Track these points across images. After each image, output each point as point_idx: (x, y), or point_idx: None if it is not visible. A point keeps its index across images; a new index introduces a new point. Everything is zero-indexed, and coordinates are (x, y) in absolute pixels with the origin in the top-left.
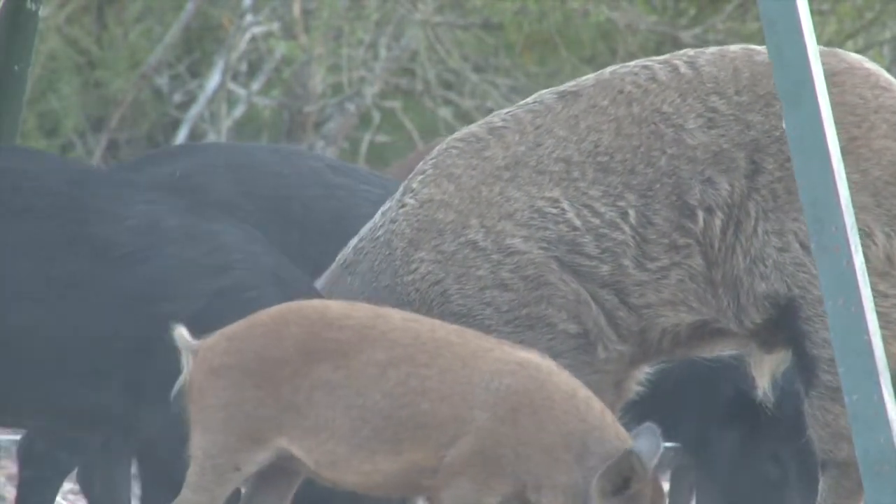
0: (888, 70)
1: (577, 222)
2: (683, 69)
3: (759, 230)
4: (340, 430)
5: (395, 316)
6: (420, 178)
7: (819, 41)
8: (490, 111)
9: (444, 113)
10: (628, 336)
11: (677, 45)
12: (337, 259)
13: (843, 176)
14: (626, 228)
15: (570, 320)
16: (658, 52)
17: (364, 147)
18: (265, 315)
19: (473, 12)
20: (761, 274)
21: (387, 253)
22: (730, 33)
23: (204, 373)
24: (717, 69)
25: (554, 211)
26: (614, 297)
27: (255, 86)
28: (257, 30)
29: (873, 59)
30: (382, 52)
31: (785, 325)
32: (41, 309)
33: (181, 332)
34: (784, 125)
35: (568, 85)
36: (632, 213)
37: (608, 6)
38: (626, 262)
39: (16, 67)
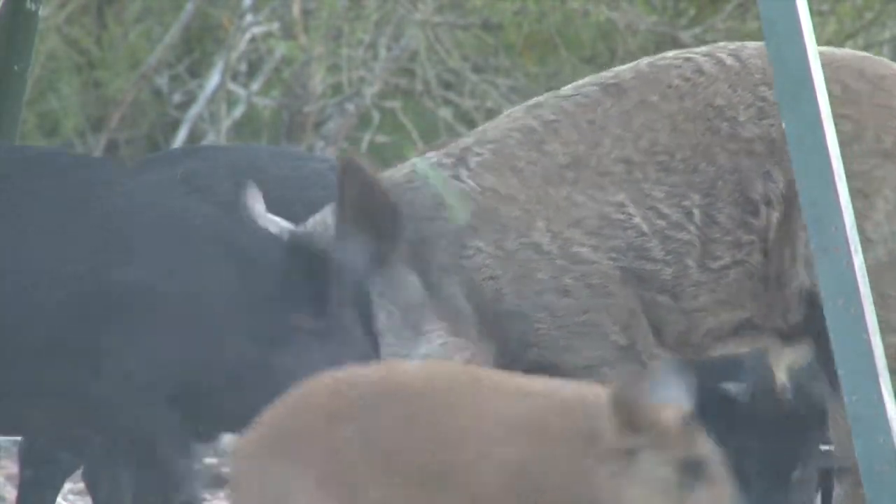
0: None
1: (645, 227)
2: (729, 61)
3: (799, 226)
4: (376, 489)
5: (409, 367)
6: (477, 159)
7: (819, 41)
8: (490, 111)
9: (444, 113)
10: (672, 342)
11: (677, 45)
12: (407, 163)
13: (843, 176)
14: (692, 228)
15: (622, 333)
16: (658, 53)
17: (364, 147)
18: (289, 394)
19: (473, 12)
20: (797, 271)
21: (436, 211)
22: (730, 33)
23: (240, 466)
24: (762, 62)
25: (622, 217)
26: (670, 300)
27: (255, 86)
28: (257, 30)
29: None
30: (382, 53)
31: (813, 324)
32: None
33: (228, 438)
34: (783, 125)
35: (607, 76)
36: (696, 212)
37: (608, 6)
38: (690, 263)
39: (16, 67)
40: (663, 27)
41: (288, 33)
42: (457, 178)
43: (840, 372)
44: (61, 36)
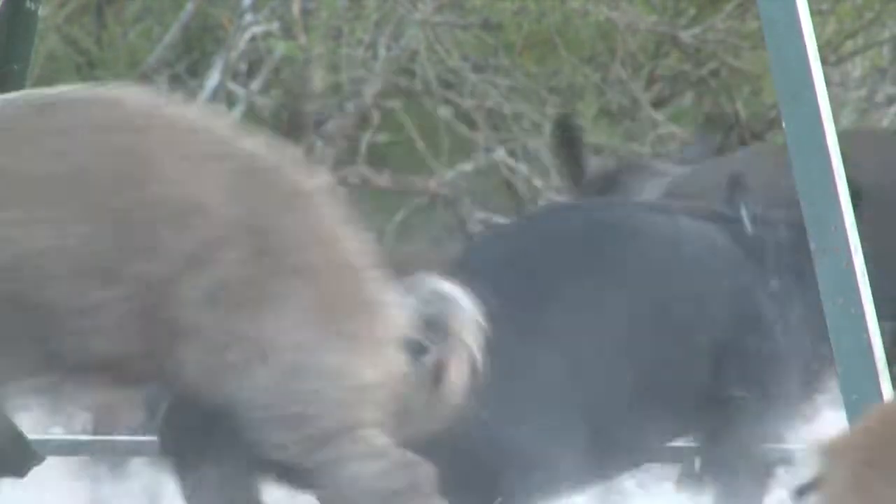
0: (887, 70)
1: (30, 245)
2: None
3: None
4: None
5: None
6: None
7: (819, 41)
8: (490, 111)
9: (444, 113)
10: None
11: (677, 44)
12: None
13: (843, 176)
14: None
15: None
16: (658, 52)
17: (363, 147)
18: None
19: (473, 12)
20: None
21: None
22: (730, 33)
23: (845, 478)
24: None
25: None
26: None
27: (255, 85)
28: (257, 29)
29: (873, 60)
30: (382, 52)
31: None
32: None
33: (815, 441)
34: (783, 124)
35: (45, 96)
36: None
37: (608, 6)
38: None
39: (16, 67)
40: (663, 27)
41: (288, 33)
42: None
43: (839, 371)
44: (61, 35)
